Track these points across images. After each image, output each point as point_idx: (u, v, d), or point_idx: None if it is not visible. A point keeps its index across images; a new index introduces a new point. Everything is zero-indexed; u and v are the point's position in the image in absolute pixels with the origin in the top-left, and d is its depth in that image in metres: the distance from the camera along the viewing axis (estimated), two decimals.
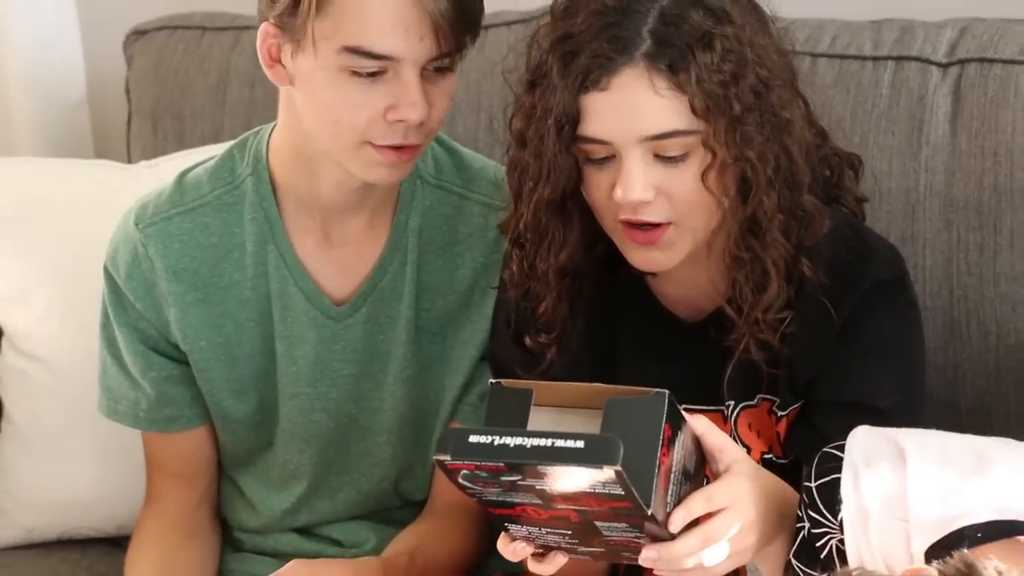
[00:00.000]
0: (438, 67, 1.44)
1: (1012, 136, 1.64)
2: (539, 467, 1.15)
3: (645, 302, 1.46)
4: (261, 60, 1.48)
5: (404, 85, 1.42)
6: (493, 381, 1.24)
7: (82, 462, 1.81)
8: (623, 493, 1.16)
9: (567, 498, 1.18)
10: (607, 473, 1.14)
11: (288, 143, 1.53)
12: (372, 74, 1.42)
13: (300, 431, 1.61)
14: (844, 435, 1.33)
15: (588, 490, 1.16)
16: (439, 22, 1.40)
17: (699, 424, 1.24)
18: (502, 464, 1.16)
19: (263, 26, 1.46)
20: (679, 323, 1.45)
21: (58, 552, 1.82)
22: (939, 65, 1.69)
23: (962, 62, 1.68)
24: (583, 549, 1.26)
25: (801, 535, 1.28)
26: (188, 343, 1.58)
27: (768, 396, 1.43)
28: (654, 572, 1.30)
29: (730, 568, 1.26)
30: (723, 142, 1.31)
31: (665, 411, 1.18)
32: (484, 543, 1.60)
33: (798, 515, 1.28)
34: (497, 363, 1.52)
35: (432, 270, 1.57)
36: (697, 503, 1.22)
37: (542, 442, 1.15)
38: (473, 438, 1.17)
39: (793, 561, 1.29)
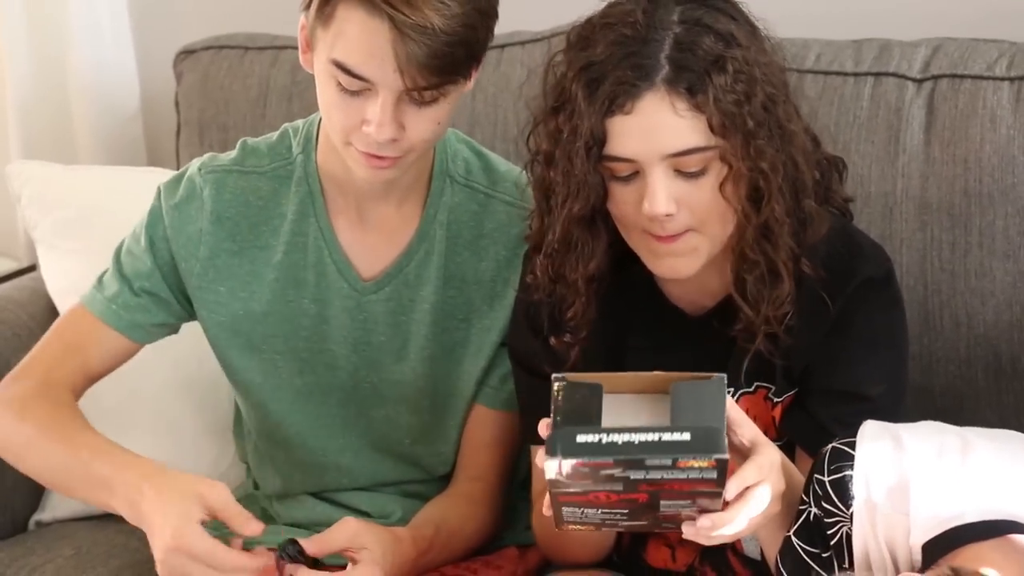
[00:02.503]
0: (419, 98, 1.42)
1: (980, 145, 1.65)
2: (648, 460, 1.14)
3: (653, 298, 1.46)
4: (299, 47, 1.49)
5: (376, 107, 1.41)
6: (557, 376, 1.21)
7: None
8: (715, 477, 1.16)
9: (654, 483, 1.17)
10: (711, 460, 1.14)
11: (325, 129, 1.54)
12: (357, 89, 1.42)
13: (324, 385, 1.60)
14: (835, 421, 1.37)
15: (683, 476, 1.15)
16: (411, 65, 1.39)
17: None
18: (611, 460, 1.14)
19: (301, 16, 1.47)
20: (684, 316, 1.45)
21: (114, 523, 1.77)
22: (914, 80, 1.70)
23: (935, 78, 1.69)
24: (626, 523, 1.25)
25: (804, 516, 1.29)
26: (206, 282, 1.58)
27: (765, 384, 1.43)
28: (672, 537, 1.36)
29: (751, 532, 1.27)
30: (739, 156, 1.31)
31: (726, 392, 1.18)
32: (501, 518, 1.61)
33: (802, 498, 1.29)
34: (516, 353, 1.52)
35: (459, 261, 1.57)
36: (750, 472, 1.22)
37: (649, 437, 1.13)
38: (581, 437, 1.15)
39: (793, 538, 1.29)
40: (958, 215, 1.66)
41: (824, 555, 1.29)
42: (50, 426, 1.53)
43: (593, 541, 1.49)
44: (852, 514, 1.25)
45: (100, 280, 1.63)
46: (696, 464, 1.15)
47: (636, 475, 1.16)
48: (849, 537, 1.26)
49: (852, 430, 1.31)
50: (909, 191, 1.68)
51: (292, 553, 1.40)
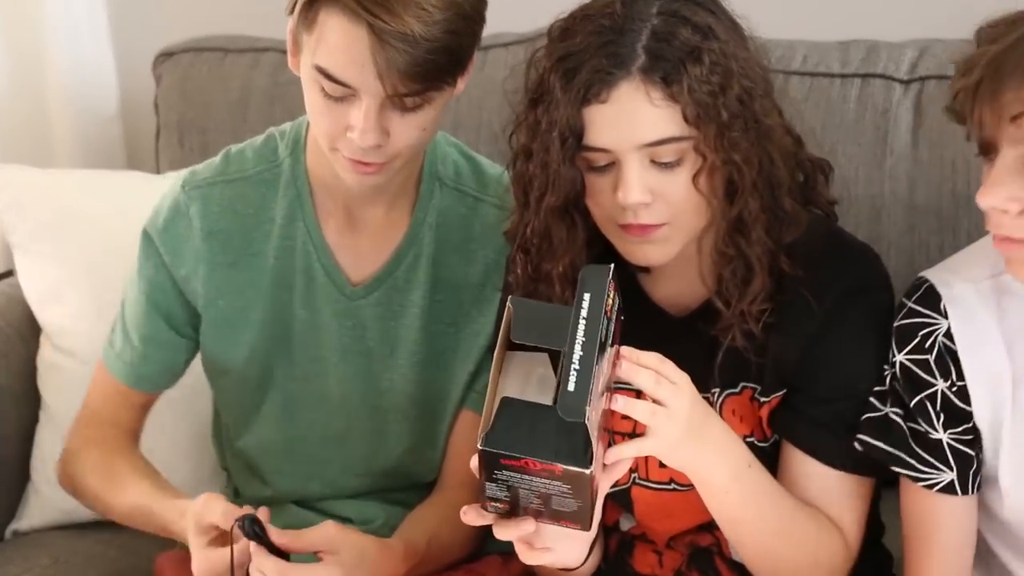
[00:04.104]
0: (402, 104, 1.41)
1: (968, 147, 1.60)
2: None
3: (637, 299, 1.44)
4: (288, 49, 1.48)
5: (360, 113, 1.40)
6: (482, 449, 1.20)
7: None
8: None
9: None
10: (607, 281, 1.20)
11: (313, 133, 1.53)
12: (341, 95, 1.41)
13: (312, 398, 1.60)
14: (828, 418, 1.38)
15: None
16: (392, 72, 1.37)
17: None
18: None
19: (290, 20, 1.46)
20: (668, 317, 1.45)
21: (93, 533, 1.81)
22: (901, 82, 1.71)
23: (922, 79, 1.70)
24: (547, 508, 1.23)
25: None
26: (208, 299, 1.58)
27: (751, 384, 1.42)
28: (660, 542, 1.34)
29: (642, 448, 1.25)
30: (712, 147, 1.31)
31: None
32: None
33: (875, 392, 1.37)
34: None
35: (448, 264, 1.57)
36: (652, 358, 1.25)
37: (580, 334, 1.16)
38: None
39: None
40: (946, 217, 1.66)
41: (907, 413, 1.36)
42: (104, 479, 1.61)
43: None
44: (945, 307, 1.33)
45: (113, 331, 1.64)
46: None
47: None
48: (948, 345, 1.34)
49: (845, 427, 1.33)
50: (896, 193, 1.68)
51: (249, 529, 1.39)
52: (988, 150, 1.24)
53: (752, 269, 1.36)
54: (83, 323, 1.84)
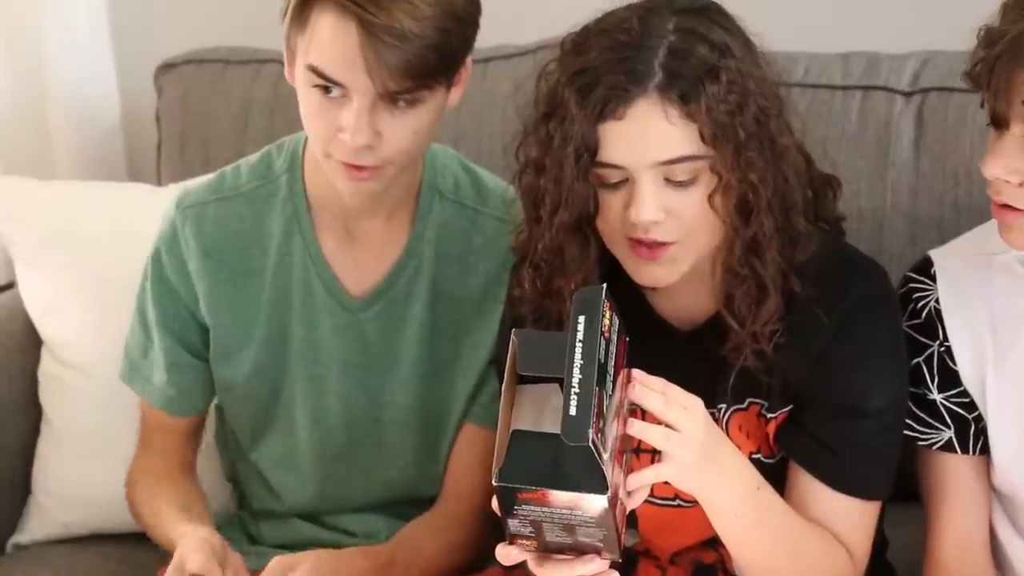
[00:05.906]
0: (393, 103, 1.41)
1: (970, 158, 1.65)
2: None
3: (643, 314, 1.43)
4: (285, 60, 1.48)
5: (351, 112, 1.40)
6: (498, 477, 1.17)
7: (113, 462, 1.77)
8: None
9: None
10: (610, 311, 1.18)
11: (309, 140, 1.53)
12: (333, 96, 1.41)
13: (313, 413, 1.60)
14: (837, 436, 1.37)
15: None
16: (381, 68, 1.37)
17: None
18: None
19: (284, 27, 1.46)
20: (674, 332, 1.44)
21: (91, 546, 1.81)
22: (903, 94, 1.70)
23: (924, 91, 1.70)
24: (574, 540, 1.21)
25: None
26: (213, 318, 1.58)
27: (758, 400, 1.41)
28: (663, 557, 1.34)
29: (665, 473, 1.23)
30: (729, 167, 1.30)
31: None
32: (484, 537, 1.58)
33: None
34: (502, 370, 1.49)
35: (448, 278, 1.56)
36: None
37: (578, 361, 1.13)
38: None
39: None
40: (948, 230, 1.64)
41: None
42: (150, 511, 1.63)
43: None
44: (935, 273, 1.41)
45: (130, 354, 1.64)
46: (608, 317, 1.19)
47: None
48: (937, 308, 1.41)
49: (852, 450, 1.32)
50: (899, 206, 1.68)
51: None
52: (998, 123, 1.29)
53: (766, 290, 1.35)
54: (84, 335, 1.82)
